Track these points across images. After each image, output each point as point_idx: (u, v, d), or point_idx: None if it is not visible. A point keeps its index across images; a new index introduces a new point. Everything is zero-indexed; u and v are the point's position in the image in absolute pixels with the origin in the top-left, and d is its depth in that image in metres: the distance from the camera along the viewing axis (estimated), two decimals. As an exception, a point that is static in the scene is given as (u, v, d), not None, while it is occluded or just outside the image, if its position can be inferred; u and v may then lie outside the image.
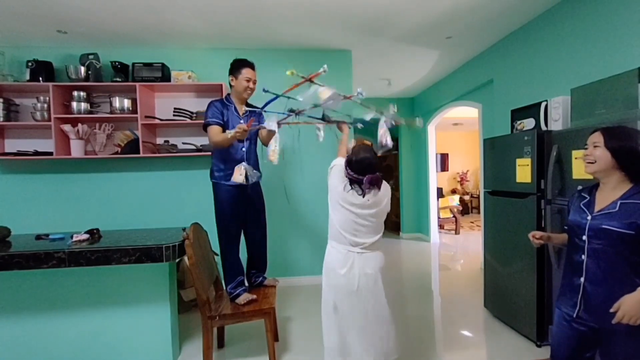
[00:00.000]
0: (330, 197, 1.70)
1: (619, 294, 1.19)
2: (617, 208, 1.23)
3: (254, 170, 2.17)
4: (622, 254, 1.21)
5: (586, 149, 1.34)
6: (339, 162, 1.76)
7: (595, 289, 1.26)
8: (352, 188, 1.62)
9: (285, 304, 3.07)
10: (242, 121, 2.24)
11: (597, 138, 1.29)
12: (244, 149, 2.26)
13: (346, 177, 1.65)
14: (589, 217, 1.29)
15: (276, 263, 3.39)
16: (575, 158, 2.03)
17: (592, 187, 1.39)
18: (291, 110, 2.09)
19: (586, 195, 1.37)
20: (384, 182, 1.68)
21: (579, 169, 2.00)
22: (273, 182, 3.30)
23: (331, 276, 1.67)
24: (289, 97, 1.99)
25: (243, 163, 2.11)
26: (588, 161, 1.32)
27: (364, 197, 1.60)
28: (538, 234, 1.48)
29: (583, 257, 1.29)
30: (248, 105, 2.37)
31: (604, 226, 1.23)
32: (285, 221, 3.61)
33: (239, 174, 2.05)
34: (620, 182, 1.27)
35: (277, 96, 2.02)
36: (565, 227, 1.49)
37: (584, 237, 1.29)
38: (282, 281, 3.37)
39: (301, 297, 3.28)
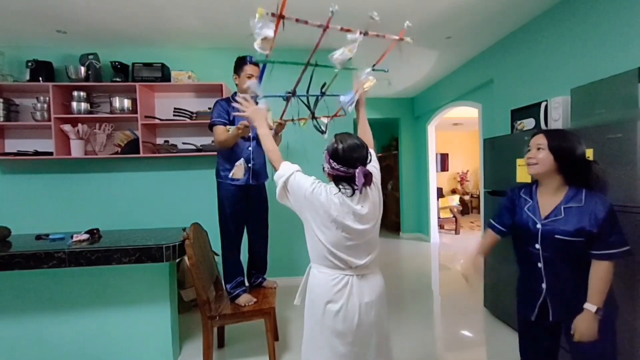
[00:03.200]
0: (315, 216, 1.29)
1: (582, 290, 1.22)
2: (562, 214, 1.24)
3: (248, 165, 2.14)
4: (575, 261, 1.23)
5: (529, 151, 1.35)
6: (292, 167, 1.36)
7: (557, 292, 1.28)
8: (339, 190, 1.25)
9: (285, 304, 3.06)
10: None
11: (541, 140, 1.31)
12: (250, 149, 2.23)
13: (329, 174, 1.31)
14: (539, 225, 1.29)
15: (277, 262, 3.38)
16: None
17: (530, 187, 1.40)
18: (288, 93, 1.82)
19: (528, 199, 1.37)
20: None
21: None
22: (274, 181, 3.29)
23: (320, 313, 1.32)
24: (280, 62, 1.58)
25: (241, 160, 2.10)
26: (531, 163, 1.33)
27: (352, 194, 1.26)
28: (467, 270, 1.55)
29: (540, 265, 1.29)
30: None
31: (556, 236, 1.23)
32: (287, 220, 3.59)
33: (239, 171, 2.05)
34: (560, 185, 1.29)
35: (265, 63, 1.60)
36: (498, 227, 1.50)
37: (537, 246, 1.29)
38: (283, 281, 3.37)
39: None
